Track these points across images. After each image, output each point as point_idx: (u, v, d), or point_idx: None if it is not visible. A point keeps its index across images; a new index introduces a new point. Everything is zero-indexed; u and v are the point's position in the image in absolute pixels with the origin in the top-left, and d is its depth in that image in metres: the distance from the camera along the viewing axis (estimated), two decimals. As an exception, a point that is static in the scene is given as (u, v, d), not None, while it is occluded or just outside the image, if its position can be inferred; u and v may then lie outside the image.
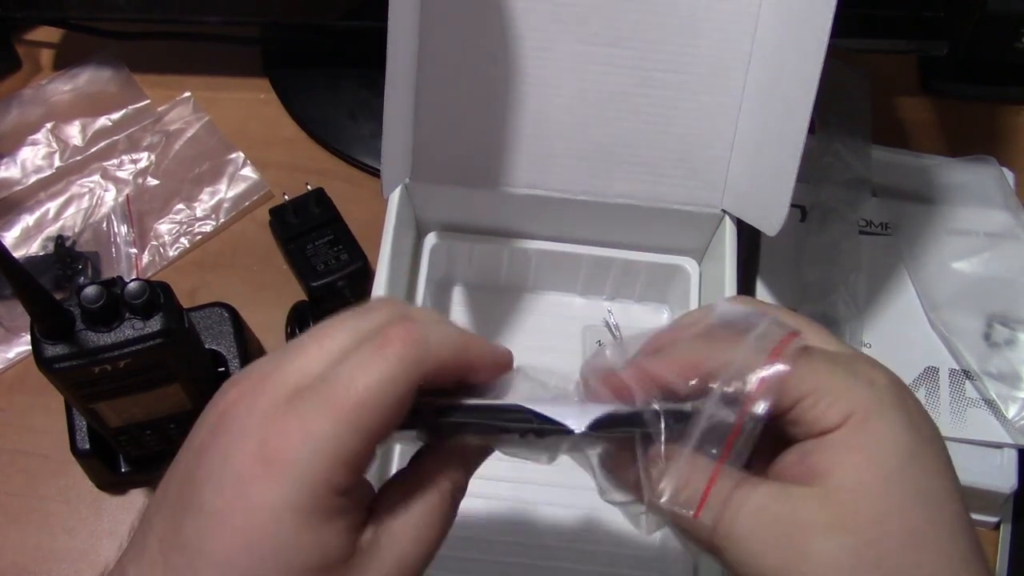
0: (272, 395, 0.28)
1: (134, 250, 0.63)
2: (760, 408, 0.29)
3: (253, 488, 0.26)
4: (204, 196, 0.65)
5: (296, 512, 0.26)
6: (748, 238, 0.55)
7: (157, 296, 0.43)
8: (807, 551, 0.28)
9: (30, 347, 0.42)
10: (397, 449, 0.50)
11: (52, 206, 0.64)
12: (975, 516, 0.54)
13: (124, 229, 0.63)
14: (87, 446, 0.53)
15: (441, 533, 0.30)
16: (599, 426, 0.30)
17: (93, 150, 0.66)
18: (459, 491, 0.31)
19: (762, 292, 0.57)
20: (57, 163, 0.65)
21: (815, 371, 0.29)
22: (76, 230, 0.63)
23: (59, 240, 0.62)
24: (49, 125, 0.67)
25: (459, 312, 0.59)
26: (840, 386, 0.29)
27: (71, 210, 0.64)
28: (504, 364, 0.33)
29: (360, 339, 0.29)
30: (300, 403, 0.27)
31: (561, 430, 0.30)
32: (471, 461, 0.32)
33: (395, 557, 0.29)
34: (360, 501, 0.28)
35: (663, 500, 0.29)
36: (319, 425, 0.27)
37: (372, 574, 0.28)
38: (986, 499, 0.53)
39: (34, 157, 0.66)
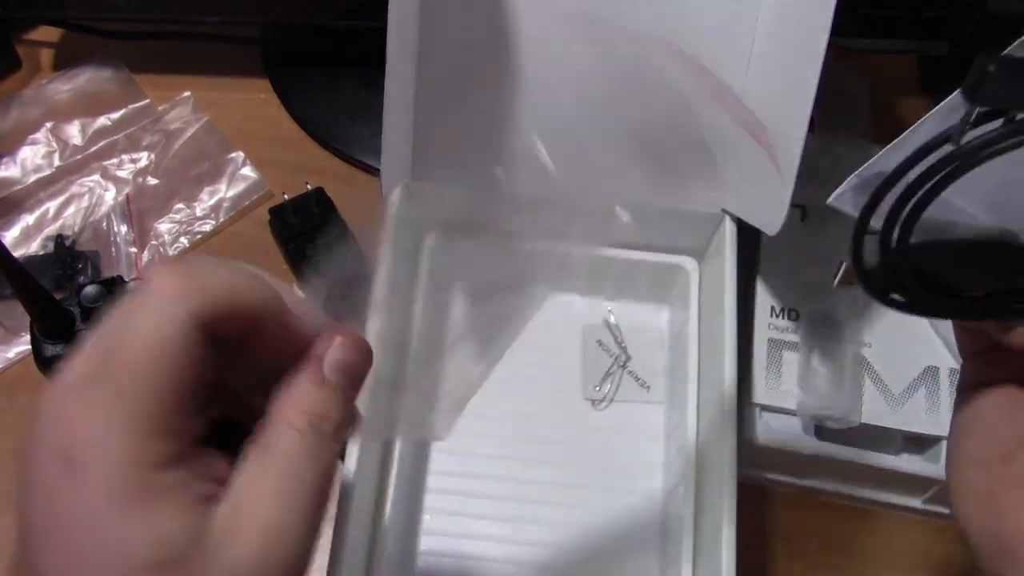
0: (58, 391, 0.25)
1: (134, 249, 0.63)
2: None
3: (62, 496, 0.24)
4: (204, 196, 0.65)
5: (111, 505, 0.23)
6: (748, 238, 0.54)
7: (157, 296, 0.43)
8: None
9: (30, 347, 0.43)
10: (398, 446, 0.50)
11: (52, 206, 0.64)
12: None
13: (124, 228, 0.63)
14: (87, 446, 0.53)
15: (314, 487, 0.26)
16: None
17: (93, 150, 0.66)
18: (324, 421, 0.27)
19: (762, 292, 0.57)
20: (57, 163, 0.65)
21: None
22: (76, 229, 0.63)
23: (59, 239, 0.62)
24: (49, 125, 0.67)
25: (459, 312, 0.59)
26: None
27: (71, 209, 0.64)
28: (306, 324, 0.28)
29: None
30: (81, 386, 0.24)
31: None
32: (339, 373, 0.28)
33: (261, 527, 0.25)
34: (200, 471, 0.26)
35: None
36: (102, 401, 0.24)
37: (235, 554, 0.24)
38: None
39: (34, 157, 0.66)
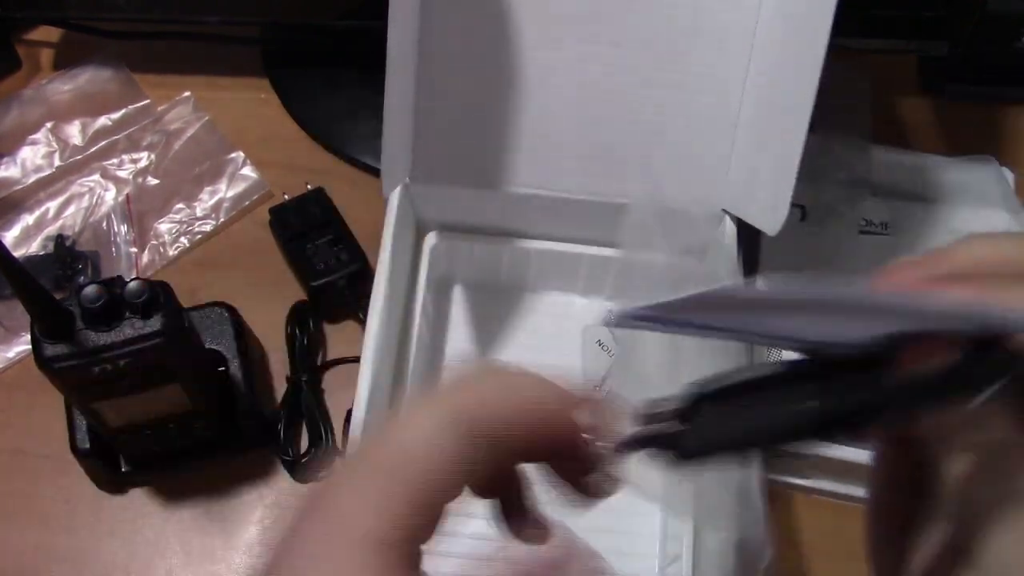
0: (346, 467, 0.27)
1: (134, 249, 0.63)
2: None
3: (315, 551, 0.26)
4: (204, 196, 0.65)
5: (340, 568, 0.25)
6: (748, 238, 0.54)
7: (157, 296, 0.43)
8: None
9: (30, 347, 0.42)
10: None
11: (52, 206, 0.64)
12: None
13: (124, 228, 0.63)
14: (87, 446, 0.53)
15: None
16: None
17: (93, 150, 0.66)
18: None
19: (762, 292, 0.57)
20: (57, 163, 0.65)
21: None
22: (76, 230, 0.63)
23: (59, 240, 0.62)
24: (49, 125, 0.67)
25: (459, 312, 0.59)
26: None
27: (71, 209, 0.64)
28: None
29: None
30: (357, 465, 0.27)
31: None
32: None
33: None
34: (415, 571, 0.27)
35: None
36: (364, 480, 0.26)
37: None
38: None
39: (34, 157, 0.66)
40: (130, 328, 0.43)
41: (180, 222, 0.64)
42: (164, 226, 0.64)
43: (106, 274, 0.62)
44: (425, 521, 0.26)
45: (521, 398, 0.28)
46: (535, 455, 0.29)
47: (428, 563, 0.27)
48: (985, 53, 0.62)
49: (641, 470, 0.28)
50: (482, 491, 0.30)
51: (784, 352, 0.24)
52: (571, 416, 0.28)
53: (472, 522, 0.29)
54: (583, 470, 0.29)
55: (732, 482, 0.30)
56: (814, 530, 0.55)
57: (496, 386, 0.28)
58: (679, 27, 0.48)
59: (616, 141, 0.51)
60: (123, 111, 0.68)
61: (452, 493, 0.27)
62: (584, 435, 0.28)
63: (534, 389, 0.28)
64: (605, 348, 0.58)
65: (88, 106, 0.68)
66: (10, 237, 0.63)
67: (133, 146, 0.67)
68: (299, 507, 0.27)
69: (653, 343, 0.32)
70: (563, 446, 0.28)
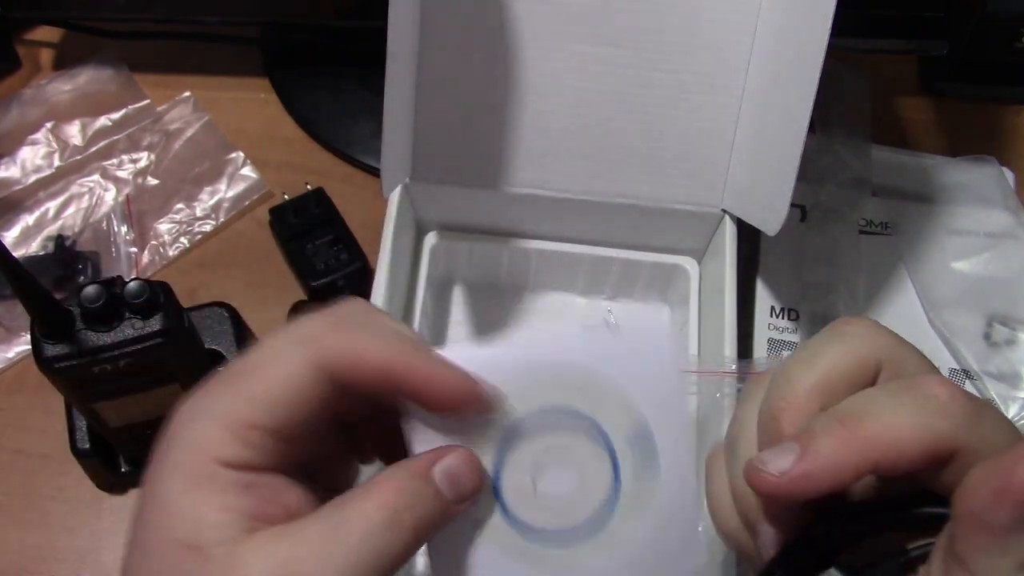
0: (206, 389, 0.28)
1: (134, 250, 0.63)
2: None
3: (153, 470, 0.27)
4: (204, 196, 0.65)
5: (174, 479, 0.26)
6: (748, 238, 0.54)
7: (157, 296, 0.43)
8: None
9: (30, 347, 0.42)
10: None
11: (52, 206, 0.64)
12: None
13: (124, 229, 0.63)
14: (87, 446, 0.53)
15: (361, 568, 0.25)
16: None
17: (93, 150, 0.66)
18: (408, 512, 0.26)
19: (762, 292, 0.57)
20: (57, 163, 0.65)
21: None
22: (76, 230, 0.63)
23: (59, 240, 0.62)
24: (49, 125, 0.67)
25: (459, 312, 0.59)
26: None
27: (71, 210, 0.64)
28: (468, 398, 0.28)
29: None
30: (217, 388, 0.28)
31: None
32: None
33: (283, 570, 0.25)
34: (270, 494, 0.27)
35: None
36: (213, 395, 0.27)
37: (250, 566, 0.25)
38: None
39: (34, 157, 0.66)
40: (130, 328, 0.43)
41: (180, 222, 0.64)
42: (164, 226, 0.64)
43: (106, 274, 0.62)
44: (280, 449, 0.27)
45: (389, 356, 0.27)
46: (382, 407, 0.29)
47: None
48: (985, 53, 0.62)
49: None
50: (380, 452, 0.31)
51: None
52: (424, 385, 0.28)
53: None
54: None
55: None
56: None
57: (369, 336, 0.28)
58: (679, 27, 0.48)
59: (616, 141, 0.51)
60: (123, 111, 0.68)
61: (311, 430, 0.27)
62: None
63: (389, 353, 0.28)
64: (605, 348, 0.57)
65: (88, 106, 0.68)
66: (10, 237, 0.63)
67: (133, 146, 0.67)
68: (163, 429, 0.28)
69: None
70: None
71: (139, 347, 0.43)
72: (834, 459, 0.25)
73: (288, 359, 0.27)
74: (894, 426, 0.24)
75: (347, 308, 0.29)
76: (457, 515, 0.28)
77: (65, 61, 0.71)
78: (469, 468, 0.28)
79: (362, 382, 0.27)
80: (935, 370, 0.28)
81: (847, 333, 0.28)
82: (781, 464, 0.25)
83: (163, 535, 0.26)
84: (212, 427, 0.26)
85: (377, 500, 0.26)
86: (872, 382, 0.28)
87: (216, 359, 0.55)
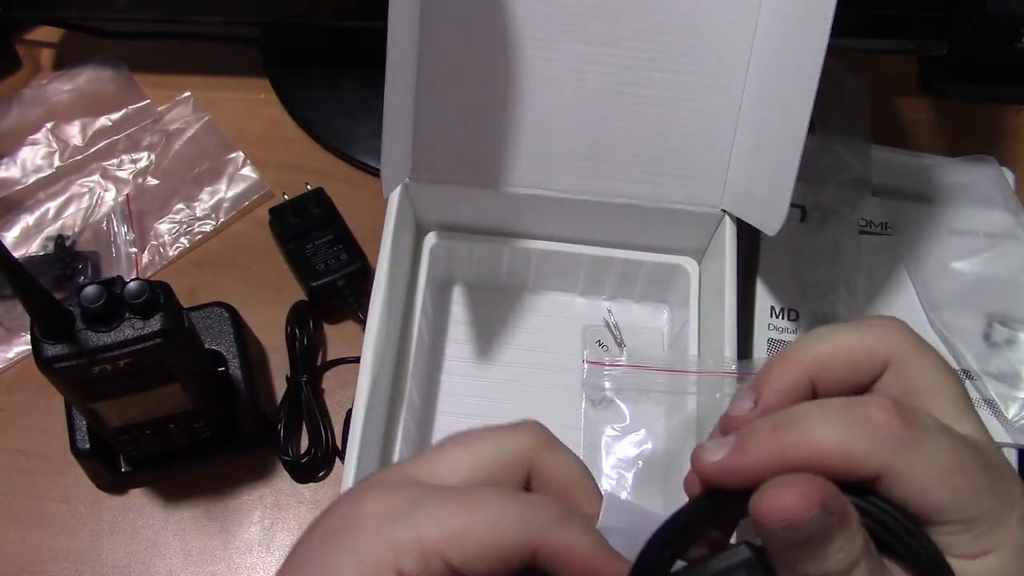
0: (391, 479, 0.29)
1: (134, 250, 0.63)
2: None
3: (336, 531, 0.27)
4: (204, 196, 0.65)
5: (351, 561, 0.26)
6: (748, 238, 0.54)
7: (157, 296, 0.43)
8: None
9: (30, 347, 0.42)
10: (397, 451, 0.50)
11: (52, 206, 0.64)
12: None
13: (124, 229, 0.63)
14: (87, 446, 0.53)
15: None
16: None
17: (93, 150, 0.66)
18: None
19: (762, 292, 0.57)
20: (57, 163, 0.65)
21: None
22: (76, 230, 0.63)
23: (59, 240, 0.62)
24: (49, 125, 0.67)
25: (459, 312, 0.59)
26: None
27: (71, 210, 0.64)
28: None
29: (497, 465, 0.29)
30: (424, 491, 0.28)
31: None
32: None
33: None
34: None
35: None
36: (424, 503, 0.27)
37: None
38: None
39: (34, 157, 0.66)
40: (130, 328, 0.43)
41: (180, 222, 0.64)
42: (164, 226, 0.64)
43: (106, 274, 0.62)
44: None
45: (590, 556, 0.27)
46: None
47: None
48: (985, 53, 0.62)
49: None
50: None
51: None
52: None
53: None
54: None
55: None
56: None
57: (578, 533, 0.27)
58: (679, 27, 0.48)
59: (616, 141, 0.51)
60: (123, 111, 0.68)
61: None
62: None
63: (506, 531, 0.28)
64: (605, 348, 0.58)
65: (88, 106, 0.68)
66: (10, 237, 0.63)
67: (133, 146, 0.67)
68: (355, 492, 0.28)
69: None
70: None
71: (139, 347, 0.43)
72: (757, 459, 0.26)
73: (502, 520, 0.27)
74: (817, 441, 0.25)
75: (541, 445, 0.30)
76: None
77: (65, 61, 0.71)
78: None
79: (554, 567, 0.27)
80: (950, 381, 0.29)
81: (868, 324, 0.29)
82: (715, 454, 0.27)
83: None
84: (408, 536, 0.26)
85: None
86: (876, 375, 0.28)
87: (216, 359, 0.55)
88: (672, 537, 0.27)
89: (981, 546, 0.25)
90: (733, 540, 0.28)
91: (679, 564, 0.27)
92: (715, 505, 0.27)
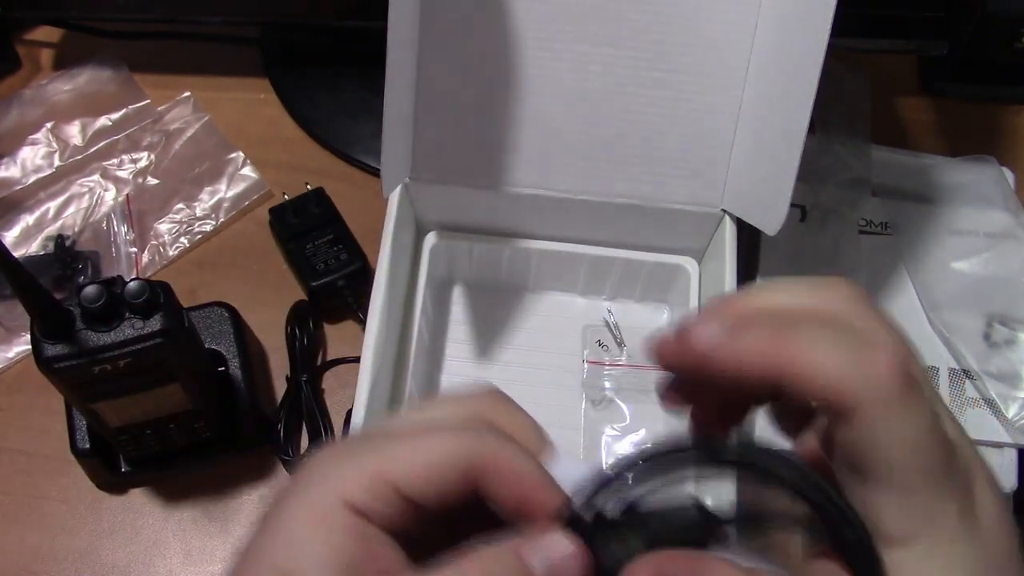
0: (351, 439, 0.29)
1: (134, 250, 0.63)
2: None
3: (288, 492, 0.27)
4: (204, 196, 0.65)
5: (303, 506, 0.27)
6: (748, 238, 0.54)
7: (157, 296, 0.43)
8: None
9: (30, 347, 0.42)
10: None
11: (52, 206, 0.64)
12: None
13: (124, 229, 0.63)
14: (87, 446, 0.53)
15: None
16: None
17: (93, 150, 0.66)
18: None
19: (762, 292, 0.57)
20: (57, 163, 0.65)
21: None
22: (76, 230, 0.63)
23: (59, 240, 0.62)
24: (49, 125, 0.67)
25: (459, 312, 0.59)
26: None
27: (71, 210, 0.64)
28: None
29: (456, 414, 0.29)
30: (361, 440, 0.28)
31: None
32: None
33: None
34: (372, 549, 0.27)
35: None
36: (364, 445, 0.27)
37: None
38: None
39: (34, 157, 0.66)
40: (130, 328, 0.43)
41: (180, 222, 0.64)
42: (164, 226, 0.64)
43: (106, 274, 0.62)
44: (403, 514, 0.27)
45: (515, 466, 0.28)
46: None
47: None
48: (985, 53, 0.62)
49: None
50: None
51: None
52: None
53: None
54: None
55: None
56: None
57: (513, 449, 0.28)
58: (679, 27, 0.48)
59: (616, 141, 0.51)
60: (123, 111, 0.68)
61: (434, 510, 0.27)
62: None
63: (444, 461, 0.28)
64: (605, 348, 0.58)
65: (88, 106, 0.68)
66: (10, 237, 0.63)
67: (133, 146, 0.67)
68: (301, 466, 0.28)
69: None
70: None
71: (139, 347, 0.43)
72: (747, 353, 0.25)
73: (443, 444, 0.27)
74: (812, 360, 0.25)
75: (497, 406, 0.30)
76: None
77: (65, 61, 0.71)
78: (576, 564, 0.27)
79: (495, 491, 0.27)
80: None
81: (823, 283, 0.29)
82: (709, 328, 0.26)
83: (265, 554, 0.26)
84: (354, 470, 0.27)
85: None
86: None
87: (216, 359, 0.55)
88: (616, 474, 0.27)
89: (911, 526, 0.25)
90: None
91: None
92: (663, 456, 0.27)
